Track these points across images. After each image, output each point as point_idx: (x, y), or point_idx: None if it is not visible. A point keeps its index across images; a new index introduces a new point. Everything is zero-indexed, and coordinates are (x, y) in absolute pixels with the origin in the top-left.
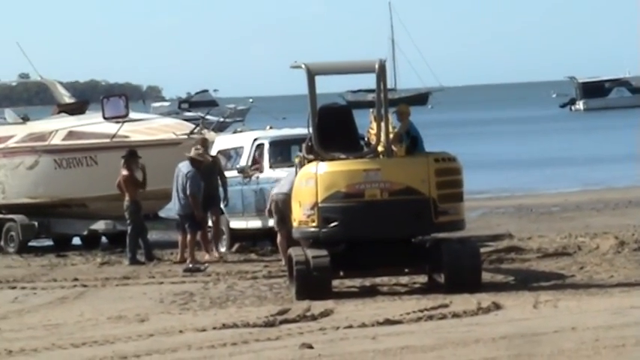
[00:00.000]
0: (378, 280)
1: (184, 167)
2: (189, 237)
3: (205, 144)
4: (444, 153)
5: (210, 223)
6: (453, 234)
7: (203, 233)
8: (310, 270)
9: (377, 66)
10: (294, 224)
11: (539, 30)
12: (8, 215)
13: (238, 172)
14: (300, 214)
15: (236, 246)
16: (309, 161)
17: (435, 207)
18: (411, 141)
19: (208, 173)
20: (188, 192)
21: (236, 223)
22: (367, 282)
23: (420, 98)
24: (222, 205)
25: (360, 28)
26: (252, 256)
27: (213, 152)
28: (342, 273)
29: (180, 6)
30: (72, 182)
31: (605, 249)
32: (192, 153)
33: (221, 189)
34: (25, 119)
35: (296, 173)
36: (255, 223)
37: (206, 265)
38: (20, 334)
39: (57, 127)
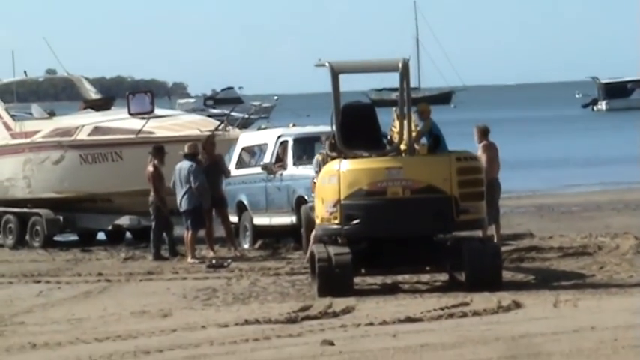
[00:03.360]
0: (399, 277)
1: (184, 164)
2: (190, 233)
3: (207, 143)
4: (466, 152)
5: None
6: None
7: (208, 230)
8: (332, 267)
9: (400, 65)
10: (317, 221)
11: (563, 30)
12: (34, 210)
13: (262, 169)
14: (322, 211)
15: (259, 242)
16: (332, 159)
17: (456, 205)
18: (433, 140)
19: (212, 172)
20: (194, 185)
21: (259, 220)
22: (388, 279)
23: (444, 97)
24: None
25: (384, 26)
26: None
27: (236, 150)
28: (363, 270)
29: (207, 4)
30: (97, 177)
31: (624, 249)
32: (186, 150)
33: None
34: (52, 114)
35: (318, 171)
36: (278, 220)
37: (229, 261)
38: (44, 327)
39: (83, 123)
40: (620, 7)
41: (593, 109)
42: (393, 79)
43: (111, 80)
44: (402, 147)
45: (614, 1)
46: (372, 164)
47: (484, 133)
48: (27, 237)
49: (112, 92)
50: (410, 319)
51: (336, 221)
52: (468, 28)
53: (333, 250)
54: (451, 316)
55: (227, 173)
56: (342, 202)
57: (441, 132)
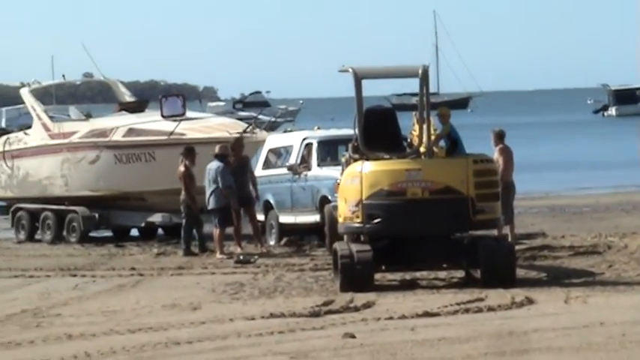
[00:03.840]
0: (417, 274)
1: (213, 164)
2: (218, 231)
3: (236, 145)
4: (483, 155)
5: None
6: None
7: (236, 228)
8: (354, 264)
9: (420, 71)
10: (340, 220)
11: (577, 38)
12: (71, 207)
13: (288, 170)
14: (345, 210)
15: (284, 240)
16: (355, 160)
17: (473, 206)
18: (451, 143)
19: (240, 172)
20: (221, 185)
21: (285, 218)
22: (407, 276)
23: (461, 102)
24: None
25: (405, 34)
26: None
27: (264, 151)
28: (383, 267)
29: (236, 12)
30: (131, 176)
31: (633, 248)
32: (217, 150)
33: (252, 188)
34: (88, 116)
35: (342, 172)
36: (303, 219)
37: (256, 257)
38: (80, 319)
39: (118, 125)
40: (630, 19)
41: (603, 115)
42: (413, 85)
43: (144, 84)
44: (422, 149)
45: (626, 12)
46: (393, 166)
47: (500, 136)
48: (64, 233)
49: (146, 95)
50: (428, 314)
51: (358, 220)
52: (486, 36)
53: (355, 247)
54: (467, 311)
55: (253, 177)
56: (364, 201)
57: (459, 135)
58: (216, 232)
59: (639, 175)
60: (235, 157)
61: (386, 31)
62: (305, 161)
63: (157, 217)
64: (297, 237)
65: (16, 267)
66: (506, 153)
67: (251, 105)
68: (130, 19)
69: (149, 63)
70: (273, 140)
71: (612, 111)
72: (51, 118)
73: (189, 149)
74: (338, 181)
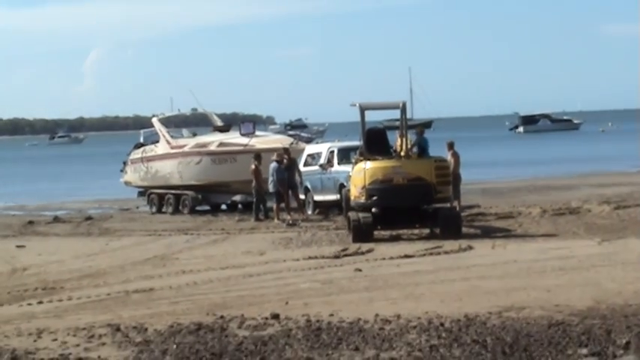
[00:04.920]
0: (400, 231)
1: (273, 164)
2: (275, 205)
3: (286, 151)
4: (440, 157)
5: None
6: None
7: (287, 203)
8: (361, 225)
9: (401, 105)
10: (352, 198)
11: (505, 75)
12: (184, 191)
13: (319, 167)
14: (355, 191)
15: (317, 210)
16: (361, 161)
17: (434, 189)
18: (420, 150)
19: (290, 169)
20: (275, 178)
21: (317, 197)
22: (394, 232)
23: (427, 124)
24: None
25: (390, 80)
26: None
27: (304, 156)
28: (379, 227)
29: (295, 63)
30: (222, 172)
31: (534, 214)
32: (275, 156)
33: (298, 178)
34: (194, 135)
35: (352, 169)
36: (329, 197)
37: (299, 222)
38: (190, 261)
39: (213, 140)
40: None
41: (515, 132)
42: (396, 113)
43: (229, 114)
44: (402, 154)
45: (533, 54)
46: (384, 164)
47: (451, 145)
48: (180, 207)
49: (230, 121)
50: (407, 256)
51: (363, 198)
52: (446, 79)
53: (361, 215)
54: (431, 254)
55: (299, 171)
56: (367, 186)
57: (428, 145)
58: (274, 206)
59: (538, 168)
60: (288, 159)
61: (380, 76)
62: (330, 161)
63: (238, 197)
64: (325, 209)
65: (150, 228)
66: (456, 156)
67: (295, 127)
68: (218, 69)
69: (232, 99)
70: (310, 149)
71: (521, 129)
72: (171, 136)
73: (258, 155)
74: (350, 174)
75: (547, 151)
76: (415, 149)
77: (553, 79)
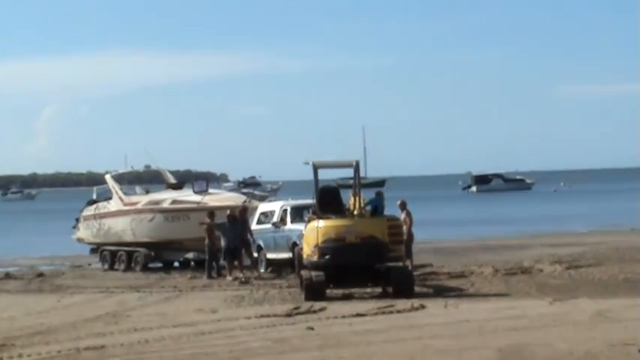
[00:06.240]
0: (352, 290)
1: (225, 222)
2: (227, 263)
3: (245, 210)
4: (393, 216)
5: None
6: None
7: (239, 261)
8: (313, 283)
9: (354, 163)
10: (305, 256)
11: (454, 134)
12: (136, 248)
13: (272, 225)
14: (308, 250)
15: (270, 269)
16: (314, 219)
17: (387, 247)
18: (374, 209)
19: (243, 227)
20: (228, 236)
21: (270, 255)
22: (347, 291)
23: (380, 183)
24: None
25: (342, 139)
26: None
27: (257, 214)
28: (332, 285)
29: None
30: (174, 229)
31: (487, 273)
32: (228, 213)
33: (249, 236)
34: (147, 192)
35: (305, 228)
36: (282, 255)
37: (252, 280)
38: (142, 319)
39: (166, 197)
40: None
41: (468, 191)
42: (350, 172)
43: (183, 172)
44: (355, 212)
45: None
46: (337, 222)
47: (403, 205)
48: (132, 264)
49: (183, 178)
50: (359, 315)
51: (316, 256)
52: (399, 138)
53: (313, 273)
54: (383, 313)
55: (249, 229)
56: (320, 245)
57: (384, 204)
58: (226, 264)
59: (489, 227)
60: (240, 217)
61: (334, 135)
62: (282, 220)
63: (190, 255)
64: (277, 267)
65: (102, 285)
66: (409, 215)
67: (249, 184)
68: (172, 126)
69: (185, 157)
70: (263, 207)
71: (474, 189)
72: (124, 193)
73: (211, 212)
74: (303, 232)
75: (500, 210)
76: (368, 208)
77: (506, 139)
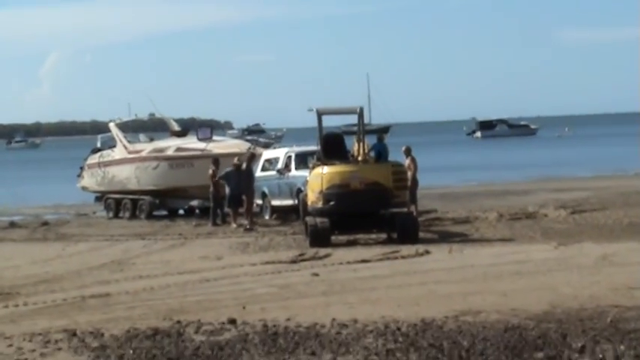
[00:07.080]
0: (357, 236)
1: (231, 170)
2: (232, 211)
3: (252, 156)
4: (397, 162)
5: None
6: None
7: (246, 209)
8: (318, 230)
9: (358, 110)
10: (309, 203)
11: (458, 81)
12: (141, 196)
13: (276, 172)
14: (312, 196)
15: (274, 215)
16: (318, 166)
17: (391, 193)
18: (377, 154)
19: (248, 174)
20: (233, 183)
21: (274, 202)
22: (351, 237)
23: (384, 129)
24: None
25: (350, 85)
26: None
27: (261, 161)
28: (336, 232)
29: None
30: (179, 177)
31: (491, 218)
32: (235, 161)
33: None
34: (151, 139)
35: (309, 174)
36: (286, 202)
37: (257, 226)
38: (147, 266)
39: (170, 145)
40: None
41: (472, 137)
42: (354, 118)
43: (187, 119)
44: (359, 159)
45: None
46: (342, 169)
47: (408, 151)
48: (137, 212)
49: (187, 126)
50: (364, 261)
51: (320, 203)
52: (403, 85)
53: (318, 220)
54: (388, 258)
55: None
56: (324, 191)
57: (387, 149)
58: (231, 211)
59: (494, 172)
60: (246, 164)
61: (338, 82)
62: (287, 166)
63: (195, 202)
64: (282, 213)
65: (107, 233)
66: (413, 161)
67: (253, 132)
68: (176, 75)
69: (190, 104)
70: (268, 154)
71: (478, 134)
72: (128, 141)
73: (215, 159)
74: (307, 178)
75: (504, 156)
76: (372, 154)
77: (510, 84)
